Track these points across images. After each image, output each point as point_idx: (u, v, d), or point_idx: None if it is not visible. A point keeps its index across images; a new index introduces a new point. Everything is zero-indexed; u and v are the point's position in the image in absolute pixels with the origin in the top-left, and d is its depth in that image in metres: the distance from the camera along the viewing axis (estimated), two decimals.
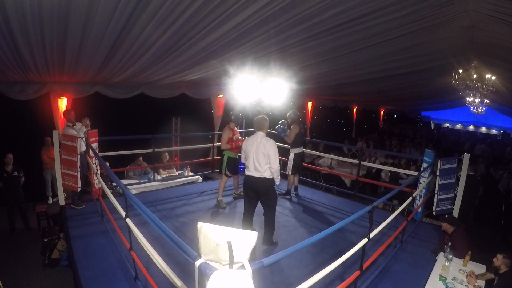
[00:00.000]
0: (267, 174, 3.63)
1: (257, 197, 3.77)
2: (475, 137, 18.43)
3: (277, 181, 3.73)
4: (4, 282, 3.72)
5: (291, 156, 5.36)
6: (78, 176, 4.50)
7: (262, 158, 3.60)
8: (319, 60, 6.02)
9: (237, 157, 4.98)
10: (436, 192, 4.76)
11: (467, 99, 9.94)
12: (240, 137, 5.04)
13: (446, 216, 3.81)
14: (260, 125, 3.74)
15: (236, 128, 5.08)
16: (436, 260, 3.49)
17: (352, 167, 7.66)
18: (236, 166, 5.12)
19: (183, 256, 1.66)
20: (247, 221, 3.89)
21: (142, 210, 2.23)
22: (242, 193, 4.98)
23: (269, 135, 3.96)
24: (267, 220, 3.78)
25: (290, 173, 5.38)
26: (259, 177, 3.65)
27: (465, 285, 2.99)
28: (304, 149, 5.69)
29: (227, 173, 5.00)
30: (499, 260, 2.99)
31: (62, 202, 4.52)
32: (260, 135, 3.71)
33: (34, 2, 2.71)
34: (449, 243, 3.51)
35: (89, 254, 3.44)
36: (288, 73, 6.20)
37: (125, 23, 3.39)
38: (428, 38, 5.27)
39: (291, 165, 5.34)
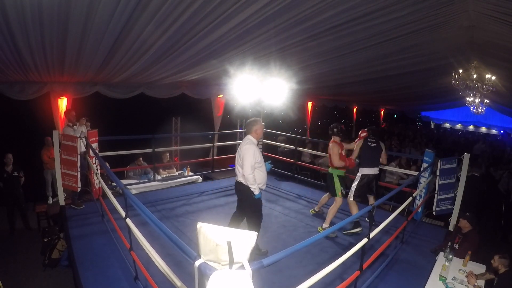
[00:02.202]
0: (242, 179, 3.48)
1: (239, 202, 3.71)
2: (475, 137, 18.43)
3: (253, 189, 3.42)
4: (4, 282, 3.72)
5: (357, 176, 4.42)
6: (78, 176, 4.50)
7: (238, 161, 3.49)
8: (319, 60, 6.02)
9: (344, 174, 4.49)
10: (436, 192, 4.76)
11: (467, 99, 9.94)
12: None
13: (468, 214, 3.75)
14: (248, 128, 3.59)
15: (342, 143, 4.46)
16: (436, 260, 3.49)
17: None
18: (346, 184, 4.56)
19: (183, 256, 1.66)
20: (233, 221, 3.78)
21: (142, 210, 2.23)
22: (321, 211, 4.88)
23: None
24: (238, 223, 3.66)
25: (351, 198, 4.39)
26: (236, 181, 3.58)
27: (465, 285, 2.99)
28: (378, 169, 4.48)
29: (344, 192, 4.41)
30: (496, 261, 3.00)
31: (62, 202, 4.52)
32: (245, 138, 3.57)
33: (34, 2, 2.71)
34: (457, 243, 3.51)
35: (89, 254, 3.44)
36: (288, 73, 6.20)
37: (125, 23, 3.39)
38: (428, 38, 5.27)
39: (355, 187, 4.36)
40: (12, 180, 5.45)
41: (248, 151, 3.41)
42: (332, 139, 4.43)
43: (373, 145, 4.39)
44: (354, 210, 4.34)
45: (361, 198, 4.50)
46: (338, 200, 4.39)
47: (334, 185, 4.42)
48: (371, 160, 4.37)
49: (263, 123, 3.62)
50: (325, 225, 4.38)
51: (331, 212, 4.37)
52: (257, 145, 3.59)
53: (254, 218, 3.60)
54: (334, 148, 4.31)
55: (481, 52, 6.33)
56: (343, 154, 4.38)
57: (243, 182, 3.47)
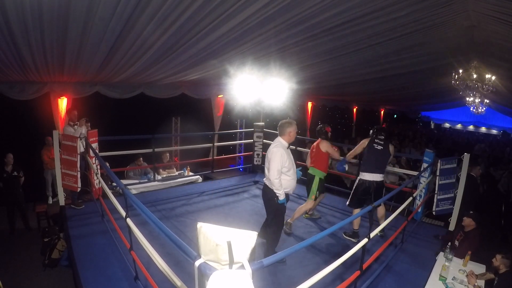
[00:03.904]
0: (268, 182, 3.40)
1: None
2: (475, 137, 18.45)
3: (278, 194, 3.31)
4: (4, 282, 3.72)
5: (356, 180, 4.07)
6: (78, 176, 4.50)
7: (267, 164, 3.41)
8: (319, 60, 6.02)
9: (324, 178, 4.38)
10: (436, 192, 4.76)
11: (467, 99, 9.95)
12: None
13: (472, 212, 3.72)
14: (280, 130, 3.45)
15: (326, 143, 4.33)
16: (436, 260, 3.49)
17: (352, 167, 7.66)
18: (324, 187, 4.44)
19: (183, 256, 1.66)
20: (262, 230, 3.70)
21: (142, 210, 2.23)
22: (315, 214, 4.79)
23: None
24: (266, 232, 3.56)
25: (348, 204, 4.14)
26: (264, 184, 3.50)
27: (465, 285, 2.99)
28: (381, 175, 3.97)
29: (318, 197, 4.29)
30: (498, 260, 3.00)
31: (62, 202, 4.52)
32: (275, 140, 3.46)
33: (34, 2, 2.71)
34: (458, 240, 3.51)
35: (89, 254, 3.43)
36: (288, 73, 6.20)
37: (125, 23, 3.40)
38: (428, 38, 5.28)
39: (352, 193, 4.07)
40: (12, 180, 5.44)
41: (275, 154, 3.28)
42: (323, 140, 4.35)
43: (379, 147, 3.90)
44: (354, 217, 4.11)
45: (359, 206, 4.09)
46: (309, 202, 4.30)
47: (311, 187, 4.29)
48: (373, 164, 3.89)
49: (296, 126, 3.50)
50: (290, 220, 4.25)
51: (298, 211, 4.25)
52: (288, 148, 3.46)
53: (274, 225, 3.51)
54: (328, 145, 4.24)
55: (481, 52, 6.34)
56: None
57: (269, 185, 3.39)
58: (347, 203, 4.18)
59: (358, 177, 4.04)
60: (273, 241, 3.54)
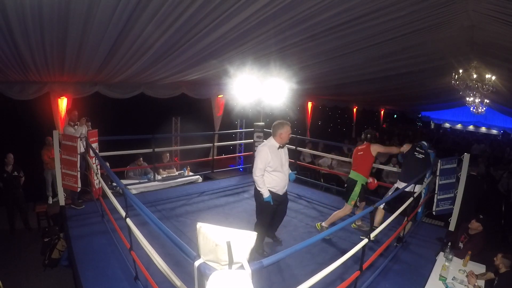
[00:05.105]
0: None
1: None
2: (475, 137, 18.45)
3: (261, 191, 3.34)
4: (4, 282, 3.72)
5: (393, 186, 4.14)
6: (78, 176, 4.51)
7: None
8: (319, 60, 6.02)
9: (366, 184, 4.20)
10: (436, 192, 4.75)
11: (467, 99, 9.96)
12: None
13: (481, 216, 3.69)
14: (272, 131, 3.47)
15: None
16: (436, 260, 3.49)
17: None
18: (365, 194, 4.22)
19: (183, 256, 1.66)
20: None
21: (142, 210, 2.23)
22: (364, 226, 4.50)
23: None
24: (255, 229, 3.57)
25: (381, 206, 3.97)
26: None
27: (465, 285, 2.99)
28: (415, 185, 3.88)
29: (358, 204, 4.16)
30: (498, 259, 3.00)
31: (62, 202, 4.52)
32: (267, 140, 3.51)
33: (34, 2, 2.71)
34: (462, 241, 3.53)
35: (89, 254, 3.44)
36: (288, 73, 6.20)
37: (125, 23, 3.40)
38: (428, 38, 5.27)
39: (388, 197, 3.96)
40: (12, 180, 5.44)
41: (259, 153, 3.32)
42: (367, 144, 4.17)
43: (421, 156, 3.96)
44: (378, 217, 4.05)
45: (392, 211, 4.13)
46: (348, 207, 4.16)
47: (351, 192, 4.11)
48: (412, 173, 3.93)
49: (290, 127, 3.44)
50: (325, 224, 4.25)
51: (336, 215, 4.17)
52: (279, 148, 3.43)
53: (259, 220, 3.58)
54: (382, 146, 4.13)
55: (481, 52, 6.34)
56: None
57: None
58: (382, 207, 4.07)
59: (396, 185, 4.11)
60: (259, 240, 3.55)
